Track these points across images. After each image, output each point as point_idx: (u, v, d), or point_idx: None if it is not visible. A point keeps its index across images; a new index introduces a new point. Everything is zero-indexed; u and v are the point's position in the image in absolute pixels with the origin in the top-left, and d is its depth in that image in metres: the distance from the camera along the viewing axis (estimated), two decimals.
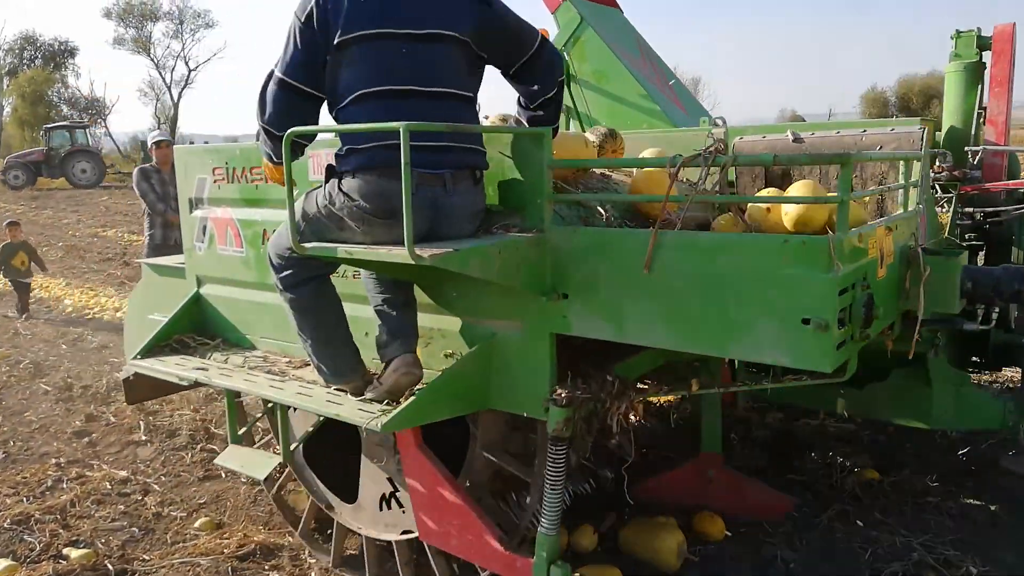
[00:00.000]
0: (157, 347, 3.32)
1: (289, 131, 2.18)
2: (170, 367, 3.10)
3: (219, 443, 4.70)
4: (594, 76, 5.26)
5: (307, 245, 2.28)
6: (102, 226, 17.30)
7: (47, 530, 3.72)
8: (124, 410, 5.31)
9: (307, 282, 2.53)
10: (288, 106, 2.32)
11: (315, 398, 2.61)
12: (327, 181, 2.33)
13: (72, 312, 8.90)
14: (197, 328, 3.47)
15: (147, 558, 3.49)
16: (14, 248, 8.72)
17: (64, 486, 4.24)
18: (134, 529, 3.74)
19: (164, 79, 48.85)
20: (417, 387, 2.46)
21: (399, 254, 2.05)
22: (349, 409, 2.47)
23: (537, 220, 2.33)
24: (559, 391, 2.30)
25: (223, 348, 3.32)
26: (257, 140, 2.50)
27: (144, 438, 4.86)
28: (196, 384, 2.98)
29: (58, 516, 3.87)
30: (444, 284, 2.57)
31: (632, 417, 3.43)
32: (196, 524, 3.75)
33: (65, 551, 3.52)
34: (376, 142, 2.20)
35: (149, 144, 6.59)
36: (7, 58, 47.21)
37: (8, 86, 45.55)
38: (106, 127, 47.11)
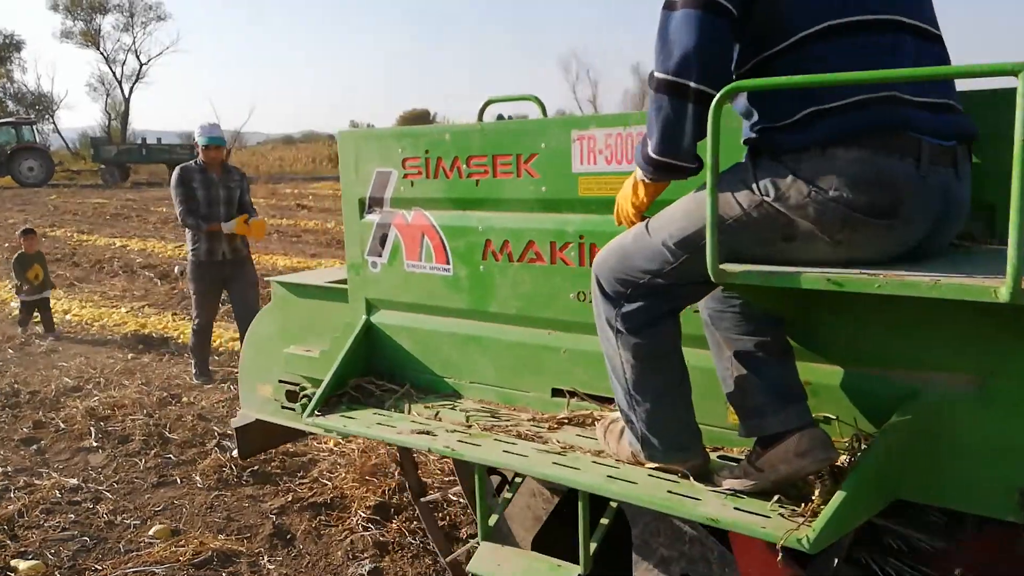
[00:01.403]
0: (335, 397, 2.48)
1: (731, 86, 1.40)
2: (373, 428, 2.27)
3: (173, 448, 4.54)
4: None
5: (734, 268, 1.49)
6: (51, 226, 16.34)
7: None
8: (74, 416, 5.03)
9: (662, 320, 1.75)
10: (717, 36, 1.48)
11: (645, 487, 1.82)
12: (755, 167, 1.55)
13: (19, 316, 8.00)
14: (368, 368, 2.64)
15: (99, 568, 3.32)
16: (29, 260, 7.50)
17: (11, 496, 3.99)
18: (85, 538, 3.55)
19: (115, 73, 46.54)
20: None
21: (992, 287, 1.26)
22: (726, 510, 1.69)
23: None
24: None
25: (417, 397, 2.50)
26: (650, 146, 1.61)
27: (95, 444, 4.66)
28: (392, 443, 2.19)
29: (5, 527, 3.65)
30: (832, 318, 1.81)
31: None
32: (150, 532, 3.59)
33: (13, 563, 3.33)
34: (861, 95, 1.43)
35: (196, 141, 5.45)
36: None
37: None
38: (54, 123, 44.75)
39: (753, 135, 1.57)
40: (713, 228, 1.45)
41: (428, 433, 2.20)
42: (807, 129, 1.46)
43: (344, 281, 2.84)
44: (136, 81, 46.36)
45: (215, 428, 4.82)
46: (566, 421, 2.23)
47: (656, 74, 1.53)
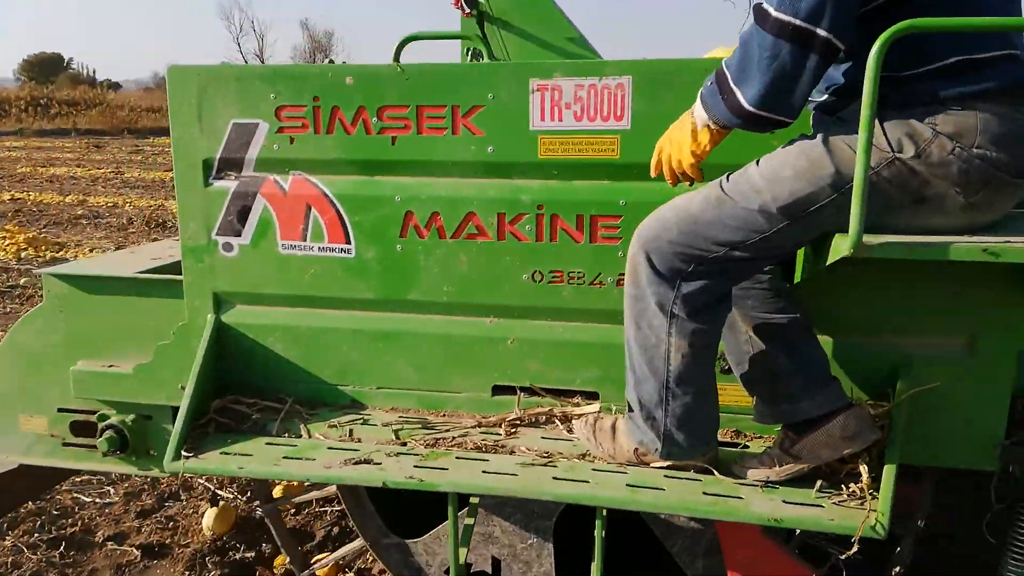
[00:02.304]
0: (198, 427, 1.84)
1: (916, 21, 1.22)
2: (283, 465, 1.71)
3: None
4: (515, 15, 4.44)
5: (874, 240, 1.32)
6: None
7: None
8: None
9: (722, 301, 1.53)
10: None
11: (676, 492, 1.61)
12: (879, 119, 1.36)
13: None
14: (222, 383, 2.01)
15: None
16: None
17: None
18: None
19: None
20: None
21: None
22: (781, 507, 1.56)
23: None
24: None
25: (308, 415, 1.96)
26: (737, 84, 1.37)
27: None
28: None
29: None
30: (823, 287, 1.75)
31: None
32: None
33: None
34: (1011, 49, 1.35)
35: None
36: None
37: None
38: None
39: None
40: (862, 190, 1.26)
41: (366, 462, 1.72)
42: (955, 79, 1.33)
43: (163, 270, 2.15)
44: None
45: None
46: (519, 422, 1.91)
47: (776, 14, 1.28)
